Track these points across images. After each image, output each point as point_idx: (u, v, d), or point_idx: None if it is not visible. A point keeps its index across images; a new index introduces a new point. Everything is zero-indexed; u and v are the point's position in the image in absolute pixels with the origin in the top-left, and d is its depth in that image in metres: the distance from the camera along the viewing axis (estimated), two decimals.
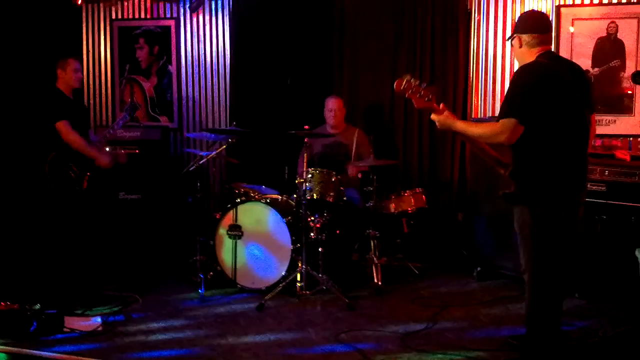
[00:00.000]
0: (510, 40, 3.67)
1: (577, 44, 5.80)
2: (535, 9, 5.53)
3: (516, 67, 3.63)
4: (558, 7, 5.84)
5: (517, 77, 3.47)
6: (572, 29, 5.80)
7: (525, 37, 3.54)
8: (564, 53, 5.82)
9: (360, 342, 4.10)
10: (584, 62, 5.78)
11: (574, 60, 5.71)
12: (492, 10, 6.07)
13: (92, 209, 5.49)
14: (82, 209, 5.30)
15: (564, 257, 3.57)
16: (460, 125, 3.61)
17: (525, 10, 3.69)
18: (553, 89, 3.38)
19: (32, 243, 5.33)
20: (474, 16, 6.13)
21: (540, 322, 3.59)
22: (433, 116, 3.61)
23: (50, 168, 5.13)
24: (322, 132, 5.91)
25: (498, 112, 3.53)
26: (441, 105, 3.63)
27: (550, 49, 3.64)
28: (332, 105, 5.92)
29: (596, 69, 5.78)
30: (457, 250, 6.13)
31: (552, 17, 5.84)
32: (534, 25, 3.58)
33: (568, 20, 5.81)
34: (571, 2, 5.83)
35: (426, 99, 3.56)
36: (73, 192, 5.20)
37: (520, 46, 3.57)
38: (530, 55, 3.53)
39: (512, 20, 5.98)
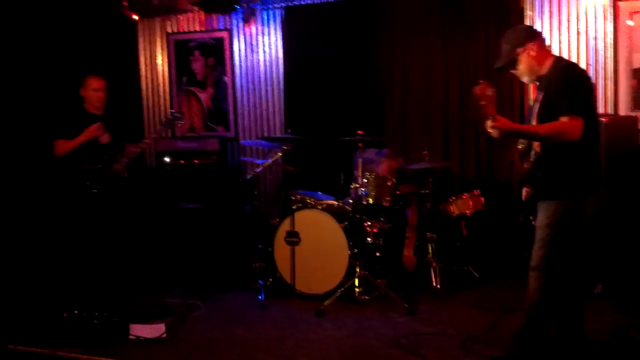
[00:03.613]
0: (517, 56, 3.56)
1: (636, 37, 5.64)
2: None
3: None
4: (615, 2, 5.69)
5: (569, 75, 3.43)
6: (631, 23, 5.64)
7: (536, 43, 3.56)
8: (623, 47, 5.68)
9: (421, 347, 4.08)
10: None
11: (634, 54, 5.64)
12: (547, 7, 5.95)
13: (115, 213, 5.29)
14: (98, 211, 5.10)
15: (582, 256, 3.63)
16: (525, 129, 3.59)
17: (510, 28, 3.70)
18: (591, 88, 3.51)
19: (88, 251, 5.41)
20: (527, 13, 6.02)
21: (543, 324, 3.59)
22: (492, 124, 3.41)
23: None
24: (372, 156, 5.68)
25: (542, 109, 3.45)
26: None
27: None
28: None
29: None
30: (518, 253, 6.00)
31: (610, 12, 5.70)
32: (531, 32, 3.64)
33: (625, 14, 5.65)
34: None
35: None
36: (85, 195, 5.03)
37: (537, 51, 3.54)
38: (548, 55, 3.57)
39: (567, 16, 5.86)
